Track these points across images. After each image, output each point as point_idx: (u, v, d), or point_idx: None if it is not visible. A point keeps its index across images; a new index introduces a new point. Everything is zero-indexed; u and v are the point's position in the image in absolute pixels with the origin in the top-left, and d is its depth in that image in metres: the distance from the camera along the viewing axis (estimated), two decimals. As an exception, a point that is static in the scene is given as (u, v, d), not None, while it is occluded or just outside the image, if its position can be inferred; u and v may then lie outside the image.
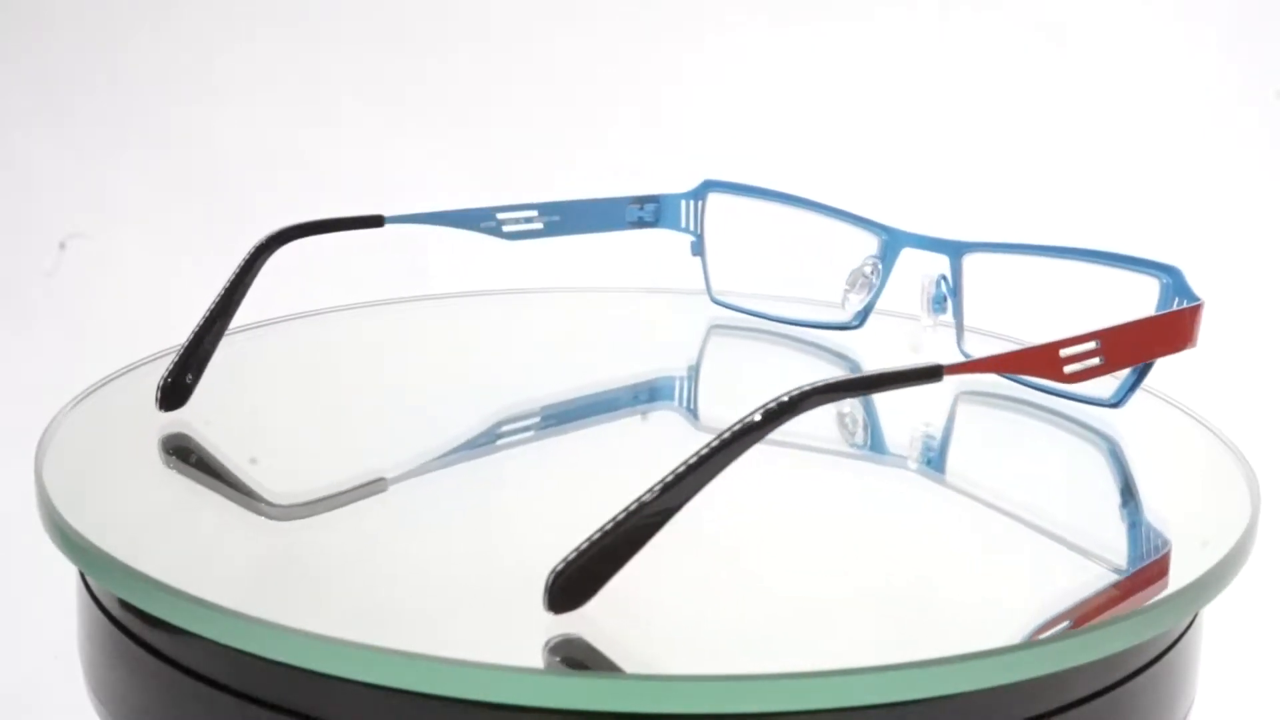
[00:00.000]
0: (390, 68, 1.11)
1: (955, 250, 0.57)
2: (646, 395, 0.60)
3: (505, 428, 0.56)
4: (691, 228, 0.65)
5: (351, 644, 0.38)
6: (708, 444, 0.41)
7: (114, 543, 0.42)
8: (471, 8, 1.11)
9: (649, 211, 0.65)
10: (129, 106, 1.12)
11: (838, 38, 1.07)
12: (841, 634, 0.42)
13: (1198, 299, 0.51)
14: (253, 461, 0.51)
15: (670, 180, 0.68)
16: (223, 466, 0.51)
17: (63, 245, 1.11)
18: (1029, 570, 0.47)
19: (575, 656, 0.40)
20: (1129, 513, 0.51)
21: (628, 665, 0.40)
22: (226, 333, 0.54)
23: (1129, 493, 0.52)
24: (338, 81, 1.11)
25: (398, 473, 0.51)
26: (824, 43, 1.07)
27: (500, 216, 0.62)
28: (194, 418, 0.53)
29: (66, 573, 0.46)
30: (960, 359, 0.54)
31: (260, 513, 0.49)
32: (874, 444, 0.57)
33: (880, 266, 0.60)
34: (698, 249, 0.65)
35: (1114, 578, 0.46)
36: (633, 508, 0.40)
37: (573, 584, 0.40)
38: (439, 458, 0.52)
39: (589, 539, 0.40)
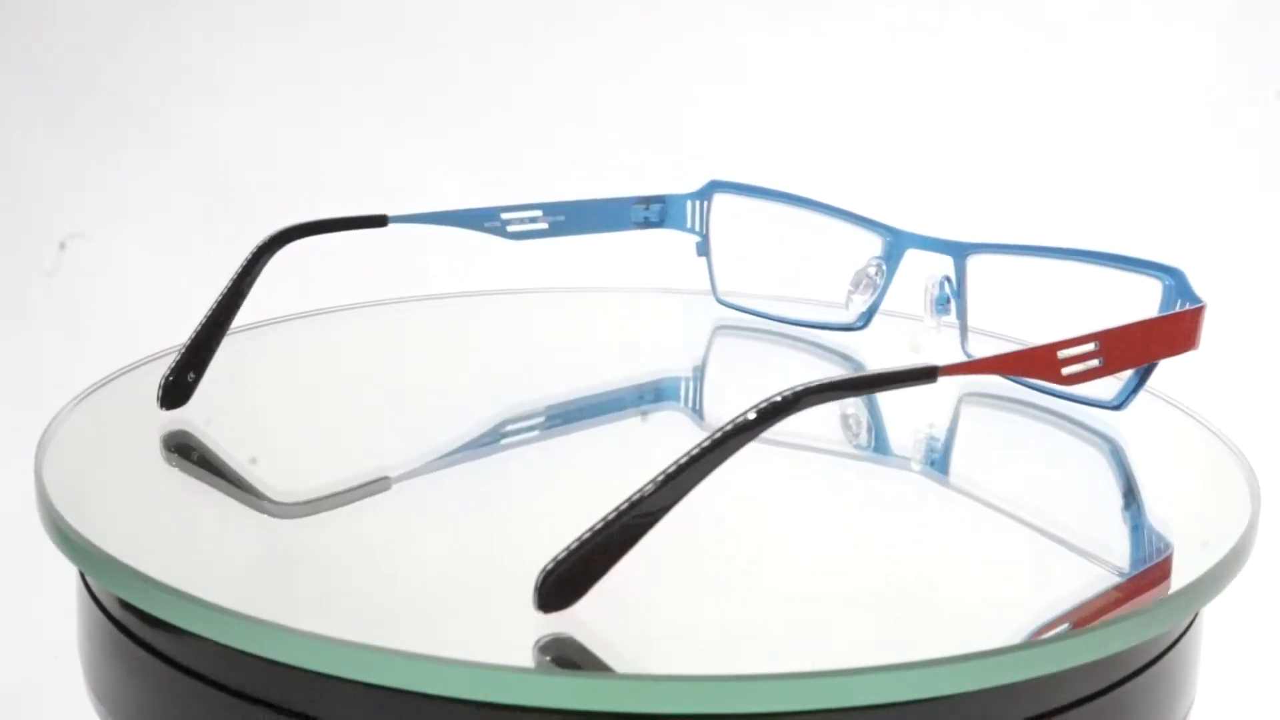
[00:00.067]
0: (390, 68, 1.11)
1: (959, 251, 0.57)
2: (651, 395, 0.60)
3: (509, 428, 0.56)
4: (697, 228, 0.65)
5: (351, 644, 0.38)
6: (699, 444, 0.41)
7: (114, 543, 0.42)
8: (471, 8, 1.11)
9: (654, 212, 0.65)
10: (129, 106, 1.12)
11: (838, 38, 1.07)
12: (841, 634, 0.42)
13: (1200, 301, 0.51)
14: (253, 461, 0.51)
15: (670, 180, 0.68)
16: (223, 466, 0.51)
17: (63, 245, 1.11)
18: (1029, 570, 0.47)
19: (571, 656, 0.40)
20: (1129, 513, 0.51)
21: (622, 665, 0.40)
22: (227, 332, 0.54)
23: (1129, 493, 0.52)
24: (338, 81, 1.11)
25: (401, 472, 0.51)
26: (824, 43, 1.07)
27: (505, 216, 0.62)
28: (195, 417, 0.53)
29: (66, 573, 0.46)
30: (962, 360, 0.54)
31: (261, 512, 0.49)
32: (876, 444, 0.57)
33: (884, 267, 0.60)
34: (703, 249, 0.65)
35: (1114, 578, 0.46)
36: (623, 507, 0.40)
37: (563, 583, 0.40)
38: (442, 457, 0.52)
39: (579, 538, 0.40)
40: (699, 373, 0.63)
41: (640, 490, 0.40)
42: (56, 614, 0.58)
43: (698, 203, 0.65)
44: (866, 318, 0.61)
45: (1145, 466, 0.53)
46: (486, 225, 0.62)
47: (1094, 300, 0.54)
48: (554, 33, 1.10)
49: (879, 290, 0.60)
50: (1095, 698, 0.42)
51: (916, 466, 0.54)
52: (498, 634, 0.40)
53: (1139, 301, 0.53)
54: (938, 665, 0.38)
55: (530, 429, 0.56)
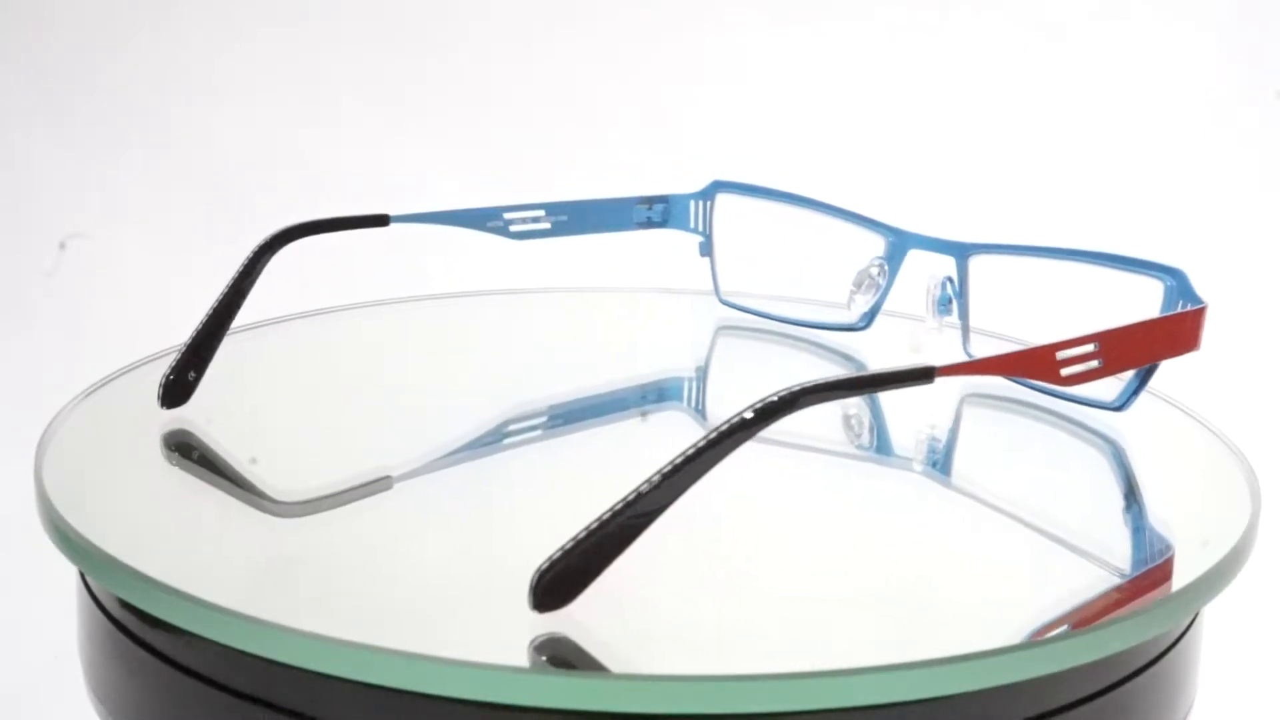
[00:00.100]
0: (390, 68, 1.11)
1: (961, 252, 0.57)
2: (654, 396, 0.60)
3: (511, 427, 0.56)
4: (700, 228, 0.65)
5: (351, 644, 0.38)
6: (694, 444, 0.41)
7: (114, 543, 0.42)
8: (471, 8, 1.11)
9: (657, 212, 0.65)
10: (129, 106, 1.12)
11: (838, 38, 1.07)
12: (841, 634, 0.42)
13: (1202, 302, 0.51)
14: (253, 461, 0.51)
15: (670, 181, 0.68)
16: (223, 466, 0.51)
17: (63, 245, 1.11)
18: (1029, 570, 0.47)
19: (570, 657, 0.40)
20: (1130, 513, 0.51)
21: (621, 665, 0.40)
22: (228, 332, 0.54)
23: (1130, 494, 0.52)
24: (338, 81, 1.11)
25: (403, 471, 0.51)
26: (824, 43, 1.07)
27: (507, 216, 0.62)
28: (195, 417, 0.53)
29: (66, 573, 0.46)
30: (960, 361, 0.54)
31: (261, 512, 0.49)
32: (878, 445, 0.57)
33: (887, 268, 0.60)
34: (706, 249, 0.65)
35: (1114, 578, 0.46)
36: (618, 506, 0.40)
37: (558, 583, 0.40)
38: (445, 457, 0.52)
39: (574, 538, 0.40)
40: (702, 373, 0.63)
41: (636, 490, 0.40)
42: (56, 614, 0.58)
43: (700, 203, 0.65)
44: (869, 318, 0.61)
45: (1145, 467, 0.53)
46: (489, 225, 0.62)
47: (1096, 301, 0.54)
48: (554, 33, 1.10)
49: (881, 291, 0.60)
50: (1095, 698, 0.42)
51: (918, 467, 0.54)
52: (498, 634, 0.40)
53: (1141, 302, 0.53)
54: (938, 665, 0.38)
55: (533, 429, 0.56)
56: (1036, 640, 0.40)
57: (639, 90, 1.10)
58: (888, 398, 0.57)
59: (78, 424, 0.51)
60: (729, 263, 0.65)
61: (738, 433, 0.41)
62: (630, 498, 0.40)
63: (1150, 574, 0.46)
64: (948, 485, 0.53)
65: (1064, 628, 0.42)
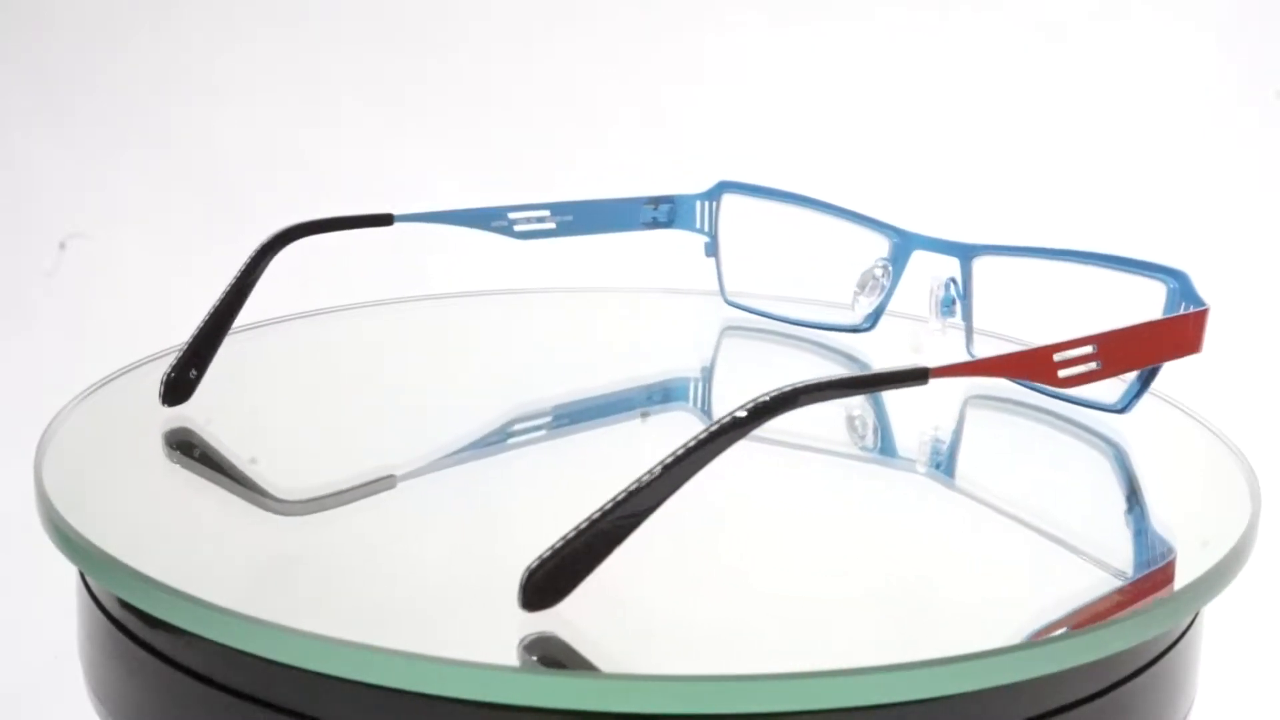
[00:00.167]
0: (390, 68, 1.11)
1: (965, 253, 0.57)
2: (660, 396, 0.60)
3: (516, 427, 0.56)
4: (706, 229, 0.65)
5: (351, 644, 0.38)
6: (684, 444, 0.41)
7: (114, 543, 0.42)
8: (471, 8, 1.11)
9: (663, 212, 0.65)
10: (129, 106, 1.12)
11: (838, 38, 1.07)
12: (841, 634, 0.42)
13: (1204, 304, 0.51)
14: (253, 461, 0.51)
15: (669, 181, 0.68)
16: (223, 466, 0.51)
17: (63, 245, 1.11)
18: (1029, 571, 0.47)
19: (566, 657, 0.40)
20: (1130, 514, 0.51)
21: (622, 665, 0.40)
22: (229, 331, 0.54)
23: (1130, 494, 0.52)
24: (338, 81, 1.11)
25: (406, 471, 0.51)
26: (824, 43, 1.07)
27: (512, 216, 0.62)
28: (195, 417, 0.53)
29: (66, 573, 0.46)
30: (959, 361, 0.54)
31: (261, 512, 0.49)
32: (880, 445, 0.57)
33: (891, 269, 0.60)
34: (712, 250, 0.65)
35: (1115, 579, 0.46)
36: (608, 506, 0.40)
37: (548, 582, 0.40)
38: (448, 456, 0.52)
39: (564, 537, 0.40)
40: (707, 374, 0.63)
41: (626, 489, 0.40)
42: (56, 614, 0.58)
43: (707, 203, 0.65)
44: (873, 319, 0.61)
45: (1146, 467, 0.53)
46: (493, 225, 0.62)
47: (1100, 302, 0.54)
48: (554, 33, 1.10)
49: (885, 291, 0.60)
50: (1095, 698, 0.42)
51: (920, 468, 0.54)
52: (498, 635, 0.40)
53: (1145, 303, 0.52)
54: (938, 665, 0.38)
55: (537, 429, 0.56)
56: (1036, 640, 0.40)
57: (639, 90, 1.10)
58: (892, 399, 0.57)
59: (78, 424, 0.51)
60: (735, 263, 0.65)
61: (729, 432, 0.41)
62: (620, 497, 0.40)
63: (1151, 575, 0.46)
64: (949, 486, 0.53)
65: (1064, 628, 0.42)
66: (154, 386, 0.53)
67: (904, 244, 0.59)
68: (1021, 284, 0.57)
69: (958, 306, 0.57)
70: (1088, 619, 0.42)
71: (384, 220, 0.59)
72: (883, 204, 0.63)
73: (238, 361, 0.56)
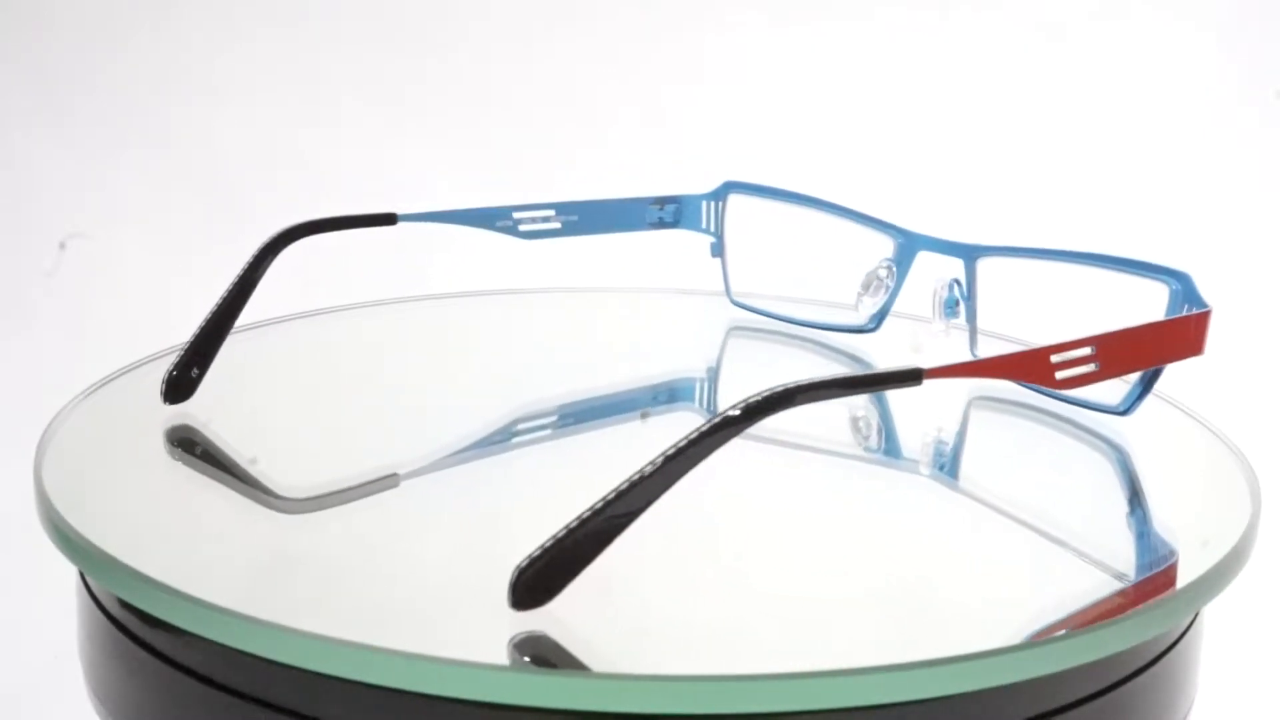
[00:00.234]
0: (390, 68, 1.11)
1: (969, 254, 0.57)
2: (666, 396, 0.60)
3: (521, 427, 0.56)
4: (712, 229, 0.65)
5: (351, 644, 0.38)
6: (675, 443, 0.40)
7: (114, 543, 0.42)
8: (471, 8, 1.11)
9: (669, 212, 0.65)
10: (129, 106, 1.12)
11: (838, 38, 1.07)
12: (841, 634, 0.42)
13: (1206, 305, 0.51)
14: (253, 461, 0.51)
15: (669, 181, 0.68)
16: (224, 464, 0.51)
17: (63, 245, 1.11)
18: (1030, 571, 0.47)
19: (569, 657, 0.40)
20: (1130, 514, 0.51)
21: (625, 666, 0.40)
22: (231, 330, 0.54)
23: (1131, 495, 0.52)
24: (338, 81, 1.11)
25: (409, 470, 0.51)
26: (824, 43, 1.07)
27: (517, 216, 0.62)
28: (195, 418, 0.53)
29: (66, 573, 0.46)
30: (956, 362, 0.54)
31: (262, 511, 0.49)
32: (882, 446, 0.57)
33: (895, 269, 0.59)
34: (718, 250, 0.65)
35: (1115, 578, 0.46)
36: (599, 504, 0.40)
37: (539, 580, 0.40)
38: (452, 455, 0.52)
39: (554, 536, 0.40)
40: (713, 374, 0.63)
41: (616, 488, 0.40)
42: (56, 614, 0.58)
43: (712, 203, 0.65)
44: (878, 320, 0.61)
45: (1146, 467, 0.53)
46: (498, 224, 0.61)
47: (1104, 303, 0.54)
48: (554, 33, 1.10)
49: (890, 292, 0.60)
50: (1095, 698, 0.42)
51: (922, 468, 0.54)
52: (499, 635, 0.40)
53: (1148, 305, 0.52)
54: (938, 665, 0.38)
55: (542, 428, 0.56)
56: (1036, 640, 0.40)
57: (639, 90, 1.10)
58: (895, 400, 0.57)
59: (78, 424, 0.51)
60: (740, 263, 0.65)
61: (720, 432, 0.41)
62: (611, 496, 0.40)
63: (1151, 575, 0.46)
64: (949, 486, 0.53)
65: (1064, 628, 0.42)
66: (154, 386, 0.53)
67: (908, 244, 0.59)
68: (1026, 285, 0.57)
69: (961, 307, 0.57)
70: (1088, 619, 0.42)
71: (387, 220, 0.59)
72: (882, 204, 0.63)
73: (239, 361, 0.56)
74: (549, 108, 1.10)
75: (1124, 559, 0.48)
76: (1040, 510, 0.51)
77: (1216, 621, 0.51)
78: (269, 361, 0.61)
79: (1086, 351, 0.47)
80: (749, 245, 0.65)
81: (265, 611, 0.39)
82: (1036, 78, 1.05)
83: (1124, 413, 0.53)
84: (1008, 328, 0.59)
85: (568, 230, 0.63)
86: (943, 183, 1.05)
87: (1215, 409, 0.56)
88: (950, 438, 0.56)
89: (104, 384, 0.54)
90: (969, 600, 0.44)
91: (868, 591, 0.45)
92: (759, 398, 0.41)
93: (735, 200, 0.64)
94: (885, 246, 0.60)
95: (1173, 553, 0.48)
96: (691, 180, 0.67)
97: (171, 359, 0.54)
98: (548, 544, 0.40)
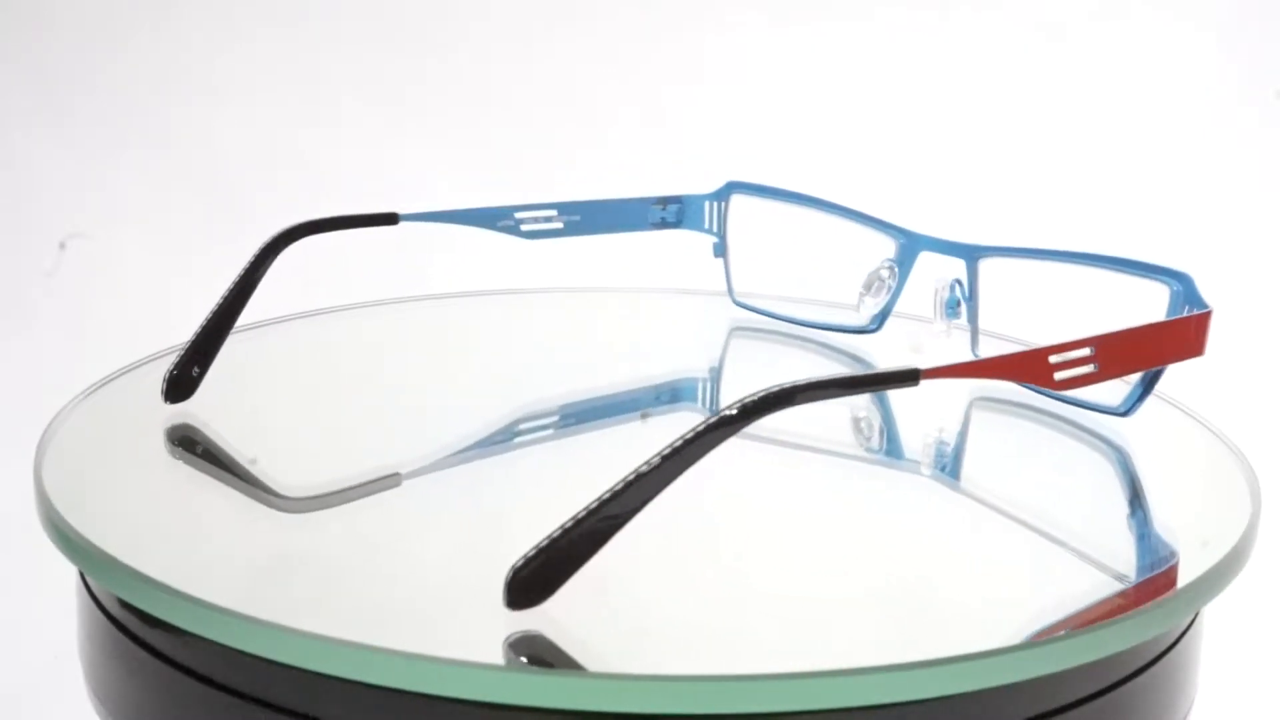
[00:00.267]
0: (390, 68, 1.11)
1: (971, 254, 0.57)
2: (668, 396, 0.60)
3: (523, 427, 0.56)
4: (715, 229, 0.65)
5: (351, 644, 0.38)
6: (670, 443, 0.40)
7: (114, 543, 0.42)
8: (471, 8, 1.11)
9: (672, 212, 0.65)
10: (129, 106, 1.12)
11: (838, 38, 1.07)
12: (841, 634, 0.42)
13: (1207, 306, 0.51)
14: (253, 462, 0.51)
15: (670, 181, 0.68)
16: (225, 464, 0.51)
17: (63, 245, 1.11)
18: (1029, 571, 0.47)
19: (571, 657, 0.40)
20: (1131, 515, 0.51)
21: (624, 665, 0.40)
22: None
23: (1130, 494, 0.52)
24: (338, 81, 1.11)
25: (411, 469, 0.51)
26: (824, 43, 1.07)
27: (519, 215, 0.61)
28: (196, 417, 0.53)
29: (66, 573, 0.46)
30: (953, 363, 0.54)
31: (262, 511, 0.49)
32: (883, 446, 0.57)
33: (897, 270, 0.59)
34: (720, 250, 0.65)
35: (1115, 578, 0.46)
36: (594, 504, 0.40)
37: (534, 580, 0.40)
38: (454, 455, 0.52)
39: (549, 536, 0.40)
40: (715, 374, 0.63)
41: (611, 489, 0.40)
42: (56, 614, 0.58)
43: (715, 204, 0.65)
44: (880, 320, 0.61)
45: (1146, 467, 0.53)
46: (500, 224, 0.61)
47: (1106, 304, 0.53)
48: (554, 33, 1.10)
49: (892, 293, 0.60)
50: (1095, 698, 0.42)
51: (922, 469, 0.54)
52: (499, 635, 0.40)
53: (1150, 305, 0.52)
54: (938, 665, 0.38)
55: (544, 428, 0.56)
56: (1036, 640, 0.40)
57: (639, 90, 1.10)
58: (897, 400, 0.57)
59: (78, 424, 0.51)
60: (743, 264, 0.65)
61: (715, 431, 0.41)
62: (606, 496, 0.40)
63: (1151, 575, 0.46)
64: (950, 486, 0.53)
65: (1064, 628, 0.42)
66: (154, 386, 0.53)
67: (910, 245, 0.59)
68: (1028, 286, 0.57)
69: (963, 308, 0.57)
70: (1088, 619, 0.42)
71: (389, 219, 0.59)
72: (882, 204, 0.63)
73: (239, 361, 0.56)
74: (549, 108, 1.10)
75: (1124, 559, 0.48)
76: (1040, 510, 0.51)
77: (1216, 621, 0.51)
78: (269, 361, 0.61)
79: (1085, 352, 0.47)
80: (751, 245, 0.64)
81: (265, 611, 0.39)
82: (1036, 78, 1.05)
83: (1125, 414, 0.53)
84: (1010, 328, 0.59)
85: (570, 230, 0.63)
86: (943, 183, 1.05)
87: (1215, 409, 0.56)
88: (951, 438, 0.56)
89: (104, 384, 0.54)
90: (969, 600, 0.44)
91: (868, 591, 0.45)
92: (755, 398, 0.41)
93: (738, 200, 0.64)
94: (887, 247, 0.60)
95: (1173, 553, 0.48)
96: (692, 180, 0.67)
97: (172, 358, 0.54)
98: (543, 544, 0.40)
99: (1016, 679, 0.39)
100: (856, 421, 0.56)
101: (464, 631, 0.41)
